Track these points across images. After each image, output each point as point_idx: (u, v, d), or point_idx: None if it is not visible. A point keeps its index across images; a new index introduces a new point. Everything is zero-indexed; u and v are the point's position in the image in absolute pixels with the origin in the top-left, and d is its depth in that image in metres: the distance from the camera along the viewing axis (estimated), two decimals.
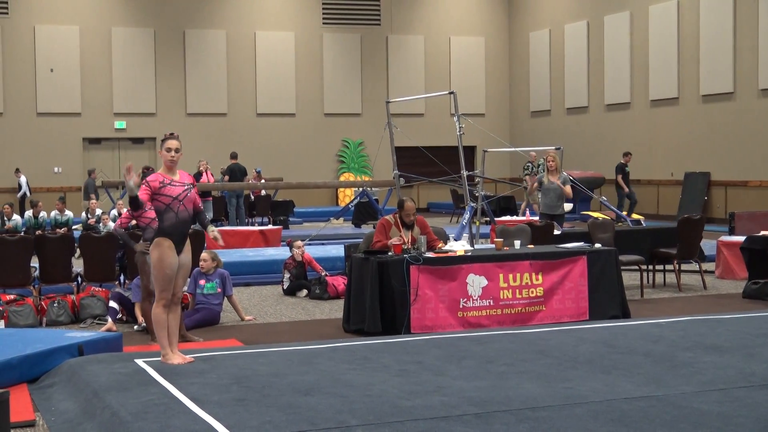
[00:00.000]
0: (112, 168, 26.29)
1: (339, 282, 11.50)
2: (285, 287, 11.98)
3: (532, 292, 9.27)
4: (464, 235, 13.20)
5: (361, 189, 20.92)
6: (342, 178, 27.59)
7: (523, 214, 19.42)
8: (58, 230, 16.59)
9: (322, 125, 28.11)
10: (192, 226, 7.47)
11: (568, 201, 18.91)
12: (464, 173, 14.18)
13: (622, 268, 10.33)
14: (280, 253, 13.80)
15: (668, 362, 6.94)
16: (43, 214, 17.93)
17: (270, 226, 19.53)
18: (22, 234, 13.39)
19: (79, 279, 11.14)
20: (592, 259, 9.55)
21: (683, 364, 6.88)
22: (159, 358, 7.05)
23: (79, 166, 26.02)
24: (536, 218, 14.21)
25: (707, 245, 13.62)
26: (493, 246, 10.11)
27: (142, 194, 6.94)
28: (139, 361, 7.06)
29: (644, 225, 13.68)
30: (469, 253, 9.29)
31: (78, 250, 11.93)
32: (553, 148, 15.47)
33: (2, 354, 6.94)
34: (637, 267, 11.91)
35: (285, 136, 27.64)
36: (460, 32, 29.33)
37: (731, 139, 21.78)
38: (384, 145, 16.25)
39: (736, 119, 21.64)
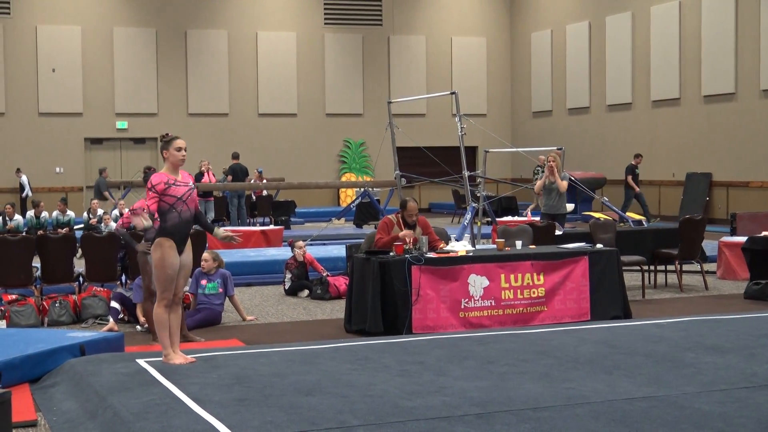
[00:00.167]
0: (113, 168, 26.25)
1: (340, 282, 11.51)
2: (286, 287, 11.98)
3: (534, 293, 9.27)
4: (466, 235, 13.20)
5: (362, 189, 20.93)
6: (343, 179, 27.59)
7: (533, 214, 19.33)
8: (59, 230, 16.60)
9: (324, 125, 28.11)
10: (193, 227, 7.46)
11: (569, 201, 18.93)
12: (466, 173, 14.18)
13: (624, 268, 10.32)
14: (282, 253, 13.81)
15: (670, 363, 6.94)
16: (44, 214, 17.95)
17: (271, 227, 19.53)
18: (24, 234, 13.40)
19: (81, 279, 11.14)
20: (594, 259, 9.55)
21: (685, 364, 6.88)
22: (160, 358, 7.05)
23: (80, 166, 26.03)
24: (537, 218, 14.21)
25: (709, 246, 13.62)
26: (494, 246, 10.10)
27: (153, 207, 6.91)
28: (141, 361, 7.07)
29: (646, 225, 13.66)
30: (471, 254, 9.29)
31: (80, 250, 11.94)
32: (555, 148, 15.48)
33: (4, 354, 6.94)
34: (638, 267, 11.91)
35: (286, 137, 27.65)
36: (461, 32, 29.32)
37: (733, 140, 21.77)
38: (385, 146, 16.25)
39: (738, 120, 21.63)
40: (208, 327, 9.60)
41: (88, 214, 18.43)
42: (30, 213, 17.92)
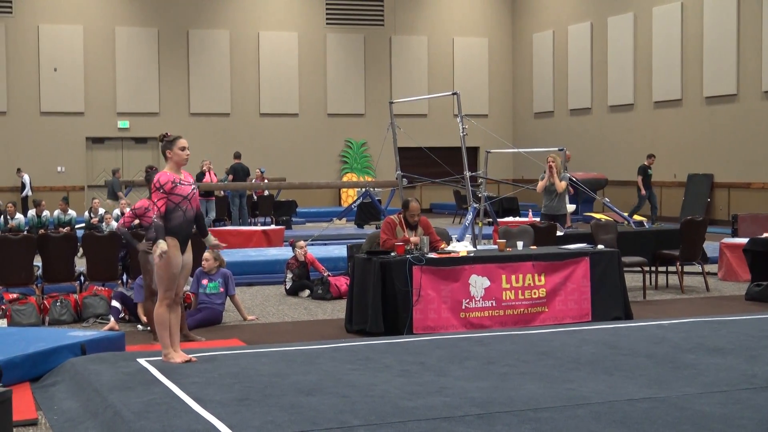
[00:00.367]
0: (115, 168, 26.26)
1: (341, 282, 11.51)
2: (287, 287, 11.98)
3: (535, 293, 9.27)
4: (467, 235, 13.19)
5: (363, 189, 20.92)
6: (345, 179, 27.59)
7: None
8: (61, 229, 16.61)
9: (325, 125, 28.11)
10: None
11: (570, 202, 18.89)
12: (467, 174, 14.18)
13: (625, 269, 10.32)
14: (283, 253, 13.81)
15: (671, 364, 6.93)
16: (46, 213, 17.96)
17: (273, 226, 19.54)
18: (25, 233, 13.41)
19: (82, 278, 11.15)
20: (595, 260, 9.54)
21: (686, 365, 6.87)
22: (161, 358, 7.06)
23: (81, 165, 26.04)
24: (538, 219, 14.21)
25: (710, 247, 13.62)
26: (495, 247, 10.10)
27: (162, 206, 6.91)
28: (142, 361, 7.07)
29: (647, 226, 13.67)
30: (472, 254, 9.29)
31: (81, 250, 11.94)
32: (556, 149, 15.47)
33: (5, 353, 6.94)
34: (639, 268, 11.90)
35: (288, 137, 27.65)
36: (463, 33, 29.32)
37: (734, 141, 21.76)
38: (387, 146, 16.24)
39: (740, 121, 21.62)
40: (208, 326, 9.61)
41: (90, 213, 18.44)
42: (31, 212, 17.94)
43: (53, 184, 25.50)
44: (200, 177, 19.95)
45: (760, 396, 5.96)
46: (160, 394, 6.03)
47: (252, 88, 27.38)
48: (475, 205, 14.40)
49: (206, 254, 10.02)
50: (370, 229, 19.22)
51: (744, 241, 12.47)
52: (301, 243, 12.34)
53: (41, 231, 15.12)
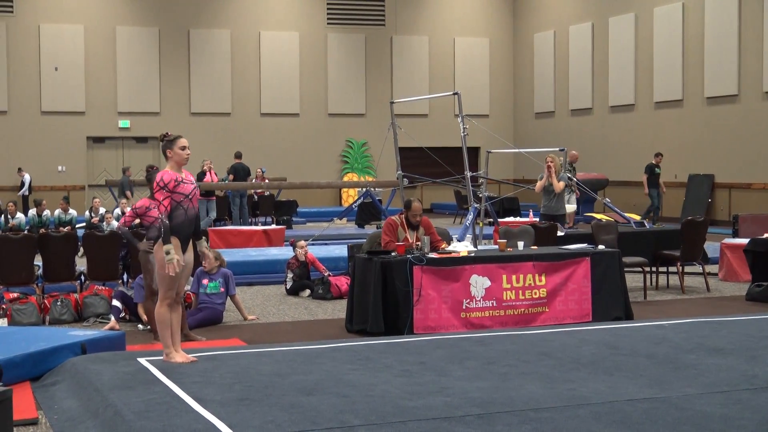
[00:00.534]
0: (116, 167, 26.28)
1: (342, 282, 11.51)
2: (288, 287, 11.98)
3: (535, 294, 9.27)
4: (468, 235, 13.20)
5: (364, 189, 20.92)
6: (345, 179, 27.59)
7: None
8: (61, 229, 16.62)
9: (326, 125, 28.11)
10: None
11: (569, 203, 18.88)
12: (468, 174, 14.18)
13: (626, 269, 10.32)
14: (284, 252, 13.81)
15: (671, 364, 6.93)
16: (47, 212, 17.96)
17: (273, 226, 19.54)
18: (26, 232, 13.42)
19: (83, 278, 11.16)
20: (596, 260, 9.54)
21: (686, 366, 6.87)
22: (161, 357, 7.05)
23: (82, 165, 26.04)
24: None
25: (711, 247, 13.62)
26: (496, 247, 10.11)
27: (167, 205, 6.91)
28: (142, 360, 7.07)
29: (648, 227, 13.65)
30: (473, 254, 9.29)
31: (81, 249, 11.95)
32: (557, 149, 15.48)
33: (5, 352, 6.94)
34: (640, 269, 11.90)
35: (289, 136, 27.65)
36: (464, 33, 29.32)
37: (735, 142, 21.76)
38: (388, 146, 16.23)
39: (741, 121, 21.62)
40: (209, 326, 9.61)
41: (90, 212, 18.45)
42: (32, 211, 17.94)
43: (54, 183, 25.51)
44: (201, 177, 19.95)
45: (761, 396, 5.96)
46: (161, 393, 6.03)
47: (253, 88, 27.38)
48: (476, 205, 14.40)
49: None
50: (370, 229, 19.22)
51: (745, 241, 12.47)
52: (302, 243, 12.35)
53: (42, 230, 15.12)
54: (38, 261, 11.10)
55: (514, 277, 9.19)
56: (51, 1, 25.75)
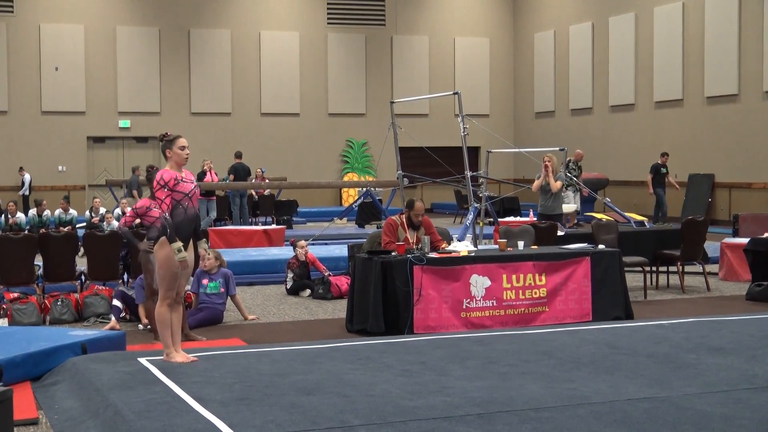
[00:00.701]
0: (116, 167, 26.31)
1: (342, 282, 11.51)
2: (288, 287, 11.98)
3: (536, 293, 9.27)
4: (468, 235, 13.20)
5: (364, 189, 20.92)
6: (346, 178, 27.59)
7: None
8: (62, 229, 16.62)
9: (326, 125, 28.11)
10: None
11: (572, 201, 18.87)
12: (468, 174, 14.18)
13: (626, 269, 10.32)
14: (284, 252, 13.81)
15: (671, 364, 6.93)
16: (47, 212, 17.97)
17: (273, 226, 19.54)
18: (26, 232, 13.42)
19: (83, 277, 11.15)
20: (596, 260, 9.54)
21: (686, 365, 6.87)
22: (162, 357, 7.06)
23: (83, 164, 26.04)
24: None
25: (711, 247, 13.62)
26: (496, 247, 10.11)
27: (168, 202, 6.91)
28: (143, 360, 7.07)
29: (648, 226, 13.66)
30: (473, 254, 9.29)
31: (82, 249, 11.95)
32: (557, 149, 15.48)
33: (6, 352, 6.95)
34: (640, 268, 11.90)
35: (289, 136, 27.65)
36: (464, 33, 29.32)
37: (735, 141, 21.75)
38: (388, 146, 16.23)
39: (741, 121, 21.61)
40: (209, 326, 9.61)
41: (91, 212, 18.45)
42: (32, 211, 17.94)
43: (54, 183, 25.50)
44: (201, 176, 19.95)
45: (761, 396, 5.96)
46: (161, 393, 6.03)
47: (253, 88, 27.37)
48: (476, 205, 14.40)
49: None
50: (370, 229, 19.22)
51: (745, 241, 12.47)
52: (302, 242, 12.35)
53: (42, 230, 15.12)
54: (39, 261, 11.10)
55: (514, 276, 9.19)
56: (51, 1, 25.75)
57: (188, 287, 9.63)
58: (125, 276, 11.20)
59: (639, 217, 14.28)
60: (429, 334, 8.47)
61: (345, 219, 22.20)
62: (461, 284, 8.96)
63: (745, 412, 5.56)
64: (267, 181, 22.74)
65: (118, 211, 18.10)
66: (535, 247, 10.37)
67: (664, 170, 21.12)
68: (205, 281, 9.89)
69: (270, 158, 26.54)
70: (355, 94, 28.30)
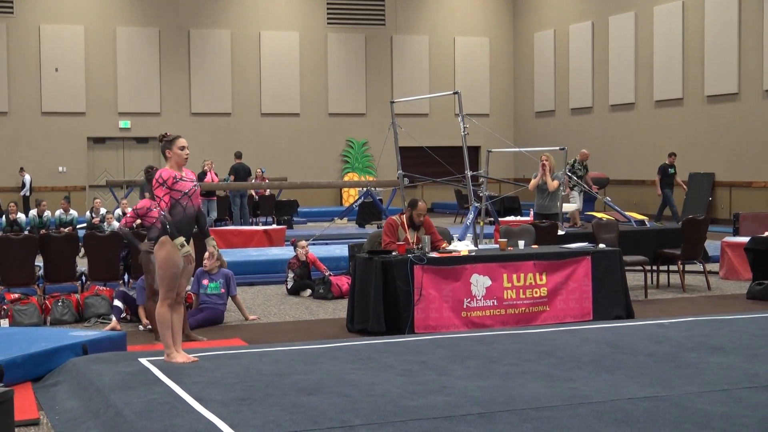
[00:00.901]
0: (116, 167, 26.31)
1: (343, 282, 11.51)
2: (289, 287, 11.99)
3: (536, 293, 9.27)
4: (468, 235, 13.20)
5: (365, 189, 20.92)
6: (346, 178, 27.58)
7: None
8: (62, 229, 16.62)
9: (327, 125, 28.11)
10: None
11: (573, 201, 18.85)
12: (468, 173, 14.18)
13: (627, 268, 10.32)
14: (284, 252, 13.82)
15: (672, 363, 6.93)
16: (47, 213, 17.96)
17: (274, 226, 19.54)
18: (27, 233, 13.42)
19: (84, 278, 11.16)
20: (597, 259, 9.54)
21: (687, 364, 6.87)
22: (163, 357, 7.06)
23: (83, 165, 26.04)
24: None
25: (711, 246, 13.62)
26: (497, 246, 10.11)
27: (168, 200, 6.92)
28: (143, 360, 7.07)
29: (648, 225, 13.66)
30: (473, 253, 9.29)
31: (82, 249, 11.96)
32: (558, 148, 15.48)
33: (7, 353, 6.95)
34: (641, 267, 11.91)
35: (289, 136, 27.65)
36: (464, 32, 29.32)
37: (736, 140, 21.75)
38: (388, 145, 16.22)
39: (741, 120, 21.61)
40: (210, 326, 9.61)
41: (91, 213, 18.45)
42: (33, 212, 17.94)
43: (54, 184, 25.51)
44: (201, 177, 19.95)
45: (762, 395, 5.96)
46: (162, 393, 6.04)
47: (253, 88, 27.37)
48: (477, 205, 14.40)
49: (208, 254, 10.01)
50: (371, 229, 19.21)
51: (745, 239, 12.47)
52: (303, 242, 12.35)
53: (43, 231, 15.13)
54: (39, 261, 11.10)
55: (514, 276, 9.19)
56: (51, 1, 25.75)
57: (188, 287, 9.63)
58: (126, 276, 11.20)
59: (639, 216, 14.29)
60: (430, 334, 8.47)
61: (345, 219, 22.19)
62: (462, 284, 8.97)
63: (746, 411, 5.56)
64: (267, 181, 22.74)
65: (118, 211, 18.10)
66: (536, 246, 10.37)
67: (672, 170, 21.08)
68: (205, 282, 9.90)
69: (270, 158, 26.53)
70: (355, 94, 28.30)
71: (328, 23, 28.05)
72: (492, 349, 7.50)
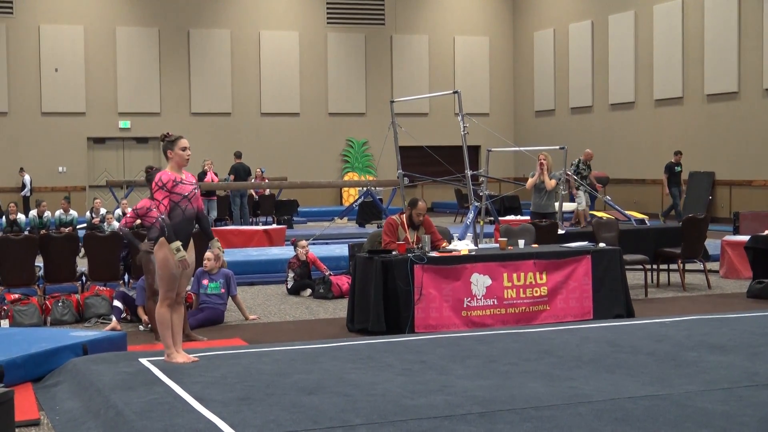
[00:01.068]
0: (116, 168, 26.31)
1: (343, 281, 11.51)
2: (289, 287, 11.99)
3: (536, 292, 9.26)
4: (468, 234, 13.21)
5: (365, 189, 20.93)
6: (346, 178, 27.58)
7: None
8: (62, 229, 16.62)
9: (327, 125, 28.11)
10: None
11: (575, 200, 18.85)
12: (468, 173, 14.18)
13: (627, 267, 10.32)
14: (284, 252, 13.82)
15: (672, 361, 6.93)
16: (47, 213, 17.96)
17: (274, 226, 19.54)
18: (27, 233, 13.41)
19: (84, 278, 11.16)
20: (597, 258, 9.54)
21: (687, 363, 6.87)
22: (163, 357, 7.06)
23: (83, 165, 26.04)
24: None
25: (711, 245, 13.62)
26: (497, 245, 10.10)
27: (167, 203, 6.92)
28: (144, 360, 7.07)
29: (648, 224, 13.68)
30: (473, 253, 9.29)
31: (82, 250, 11.96)
32: (558, 147, 15.49)
33: (7, 353, 6.95)
34: (641, 266, 11.91)
35: (289, 136, 27.65)
36: (464, 32, 29.31)
37: (735, 139, 21.75)
38: (388, 145, 16.24)
39: (741, 119, 21.61)
40: (210, 326, 9.61)
41: (91, 213, 18.45)
42: (33, 212, 17.94)
43: (54, 184, 25.51)
44: (201, 176, 19.96)
45: (762, 393, 5.96)
46: (162, 393, 6.04)
47: (253, 88, 27.37)
48: (477, 204, 14.41)
49: (208, 254, 10.02)
50: (371, 228, 19.22)
51: (745, 238, 12.47)
52: (303, 242, 12.35)
53: (43, 231, 15.13)
54: (39, 262, 11.10)
55: (515, 275, 9.19)
56: (51, 1, 25.75)
57: (189, 287, 9.63)
58: (126, 277, 11.21)
59: (639, 215, 14.30)
60: (430, 333, 8.47)
61: (345, 218, 22.20)
62: (462, 283, 8.97)
63: (746, 410, 5.56)
64: (267, 180, 22.74)
65: (118, 211, 18.10)
66: (536, 245, 10.37)
67: (678, 168, 21.08)
68: (205, 282, 9.90)
69: (270, 158, 26.53)
70: (355, 93, 28.30)
71: (328, 23, 28.05)
72: (492, 349, 7.50)
